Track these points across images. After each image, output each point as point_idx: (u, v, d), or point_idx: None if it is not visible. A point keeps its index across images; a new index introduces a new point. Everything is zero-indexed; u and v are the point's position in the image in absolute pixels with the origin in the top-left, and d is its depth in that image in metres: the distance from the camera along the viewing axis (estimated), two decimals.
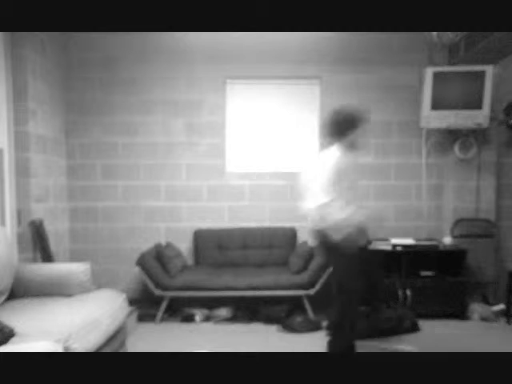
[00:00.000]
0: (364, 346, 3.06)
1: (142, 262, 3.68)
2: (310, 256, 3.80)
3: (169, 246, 4.04)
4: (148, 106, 4.19)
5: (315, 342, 3.27)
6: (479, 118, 3.87)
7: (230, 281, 3.66)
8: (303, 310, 3.69)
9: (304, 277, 3.66)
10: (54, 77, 3.93)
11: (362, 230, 2.56)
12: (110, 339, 2.49)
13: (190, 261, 4.24)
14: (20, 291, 2.67)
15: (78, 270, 2.76)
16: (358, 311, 2.72)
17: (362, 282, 2.59)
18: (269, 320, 3.65)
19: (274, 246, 4.16)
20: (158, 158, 4.22)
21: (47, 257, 3.58)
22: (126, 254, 4.17)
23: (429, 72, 3.85)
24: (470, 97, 3.87)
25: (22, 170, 3.49)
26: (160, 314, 3.71)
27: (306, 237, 4.21)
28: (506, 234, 4.20)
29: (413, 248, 3.84)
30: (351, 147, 2.61)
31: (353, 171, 2.59)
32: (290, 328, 3.49)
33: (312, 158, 2.67)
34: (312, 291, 3.66)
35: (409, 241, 3.92)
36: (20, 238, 3.47)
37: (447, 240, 3.99)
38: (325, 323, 3.53)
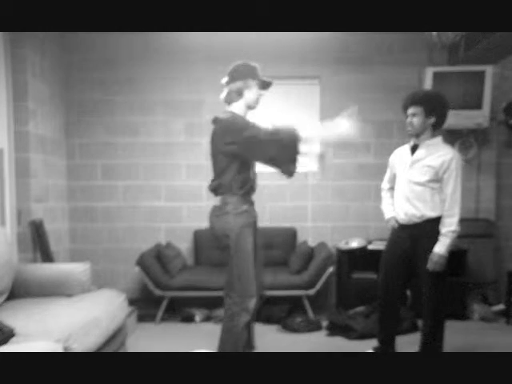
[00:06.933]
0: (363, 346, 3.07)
1: (141, 262, 3.68)
2: (309, 256, 3.80)
3: (169, 245, 4.04)
4: (148, 106, 4.19)
5: (315, 342, 3.28)
6: (479, 118, 3.86)
7: None
8: (303, 310, 3.70)
9: (304, 277, 3.66)
10: (53, 77, 3.93)
11: None
12: (110, 339, 2.49)
13: (190, 261, 4.24)
14: (20, 291, 2.67)
15: (77, 270, 2.76)
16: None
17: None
18: (269, 320, 3.65)
19: (274, 246, 4.15)
20: (158, 158, 4.22)
21: (47, 257, 3.58)
22: (126, 254, 4.17)
23: (429, 72, 3.84)
24: (470, 97, 3.87)
25: (22, 170, 3.48)
26: (160, 313, 3.71)
27: (305, 237, 4.23)
28: (505, 234, 4.21)
29: None
30: None
31: None
32: (290, 328, 3.49)
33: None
34: (312, 291, 3.66)
35: None
36: (20, 238, 3.47)
37: None
38: (325, 323, 3.54)
